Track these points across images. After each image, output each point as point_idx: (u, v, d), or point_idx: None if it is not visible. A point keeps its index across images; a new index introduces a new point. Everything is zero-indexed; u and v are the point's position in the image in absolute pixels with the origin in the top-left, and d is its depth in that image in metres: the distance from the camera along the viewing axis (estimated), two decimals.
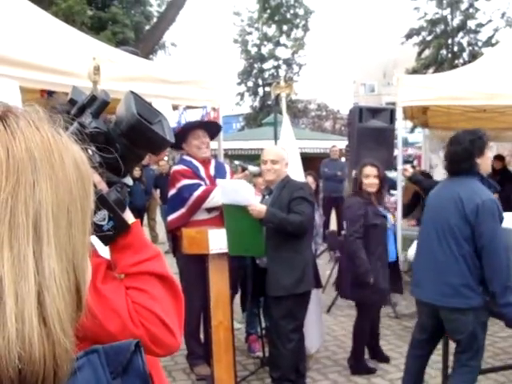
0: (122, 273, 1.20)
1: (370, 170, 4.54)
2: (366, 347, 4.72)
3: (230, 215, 3.88)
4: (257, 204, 3.82)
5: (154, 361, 1.31)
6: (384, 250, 4.46)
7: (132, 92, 1.18)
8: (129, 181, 1.25)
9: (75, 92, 1.21)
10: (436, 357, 4.55)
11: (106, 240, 1.19)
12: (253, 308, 4.97)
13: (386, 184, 4.65)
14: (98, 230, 1.16)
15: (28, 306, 0.51)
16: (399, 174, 6.28)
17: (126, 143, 1.16)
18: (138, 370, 0.67)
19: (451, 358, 3.58)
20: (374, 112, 6.07)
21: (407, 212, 6.84)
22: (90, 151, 1.12)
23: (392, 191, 7.76)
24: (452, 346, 3.58)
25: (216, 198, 4.11)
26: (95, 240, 1.23)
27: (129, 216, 1.22)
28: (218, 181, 4.08)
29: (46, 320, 0.53)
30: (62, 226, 0.56)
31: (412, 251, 5.27)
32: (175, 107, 5.14)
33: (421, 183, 5.79)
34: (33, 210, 0.54)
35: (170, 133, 1.23)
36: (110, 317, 1.13)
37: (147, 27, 20.40)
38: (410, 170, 5.88)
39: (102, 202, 1.15)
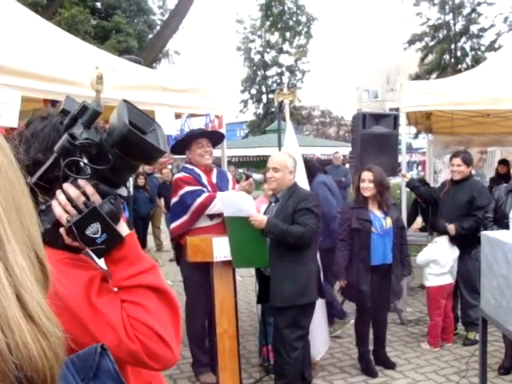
0: (116, 286, 1.18)
1: (365, 175, 4.53)
2: (370, 352, 4.70)
3: (233, 227, 3.81)
4: (258, 214, 3.80)
5: None
6: (367, 253, 4.45)
7: (125, 101, 1.15)
8: (123, 191, 1.22)
9: (68, 102, 1.19)
10: (442, 363, 4.52)
11: (99, 253, 1.16)
12: (267, 317, 4.83)
13: (386, 190, 4.59)
14: (91, 243, 1.13)
15: (11, 312, 0.50)
16: (403, 180, 6.27)
17: (118, 154, 1.13)
18: (109, 371, 0.68)
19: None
20: (378, 118, 6.07)
21: (409, 221, 6.78)
22: (81, 163, 1.11)
23: None
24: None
25: (218, 206, 4.08)
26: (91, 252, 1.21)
27: (123, 228, 1.19)
28: (218, 194, 4.07)
29: (32, 317, 0.51)
30: (14, 218, 0.54)
31: (421, 257, 5.19)
32: (178, 115, 5.14)
33: (417, 189, 5.86)
34: None
35: (163, 142, 1.19)
36: (105, 331, 1.11)
37: (150, 36, 20.53)
38: (407, 176, 6.00)
39: (94, 214, 1.12)
